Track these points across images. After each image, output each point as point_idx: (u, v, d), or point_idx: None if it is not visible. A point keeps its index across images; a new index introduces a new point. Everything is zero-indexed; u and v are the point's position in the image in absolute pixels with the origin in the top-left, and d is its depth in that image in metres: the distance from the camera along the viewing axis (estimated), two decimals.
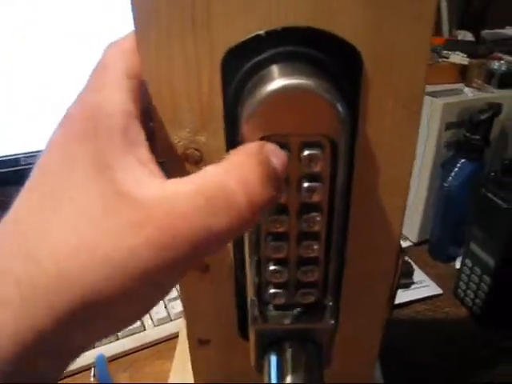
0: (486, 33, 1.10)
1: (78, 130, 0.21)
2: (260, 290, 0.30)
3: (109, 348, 0.61)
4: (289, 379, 0.28)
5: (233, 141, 0.27)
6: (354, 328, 0.36)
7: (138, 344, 0.63)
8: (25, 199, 0.21)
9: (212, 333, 0.38)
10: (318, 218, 0.26)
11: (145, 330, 0.65)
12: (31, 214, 0.20)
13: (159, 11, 0.24)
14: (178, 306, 0.67)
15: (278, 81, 0.22)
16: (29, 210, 0.20)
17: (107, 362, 0.60)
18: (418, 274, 0.77)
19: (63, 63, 0.69)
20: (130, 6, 0.24)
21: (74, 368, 0.58)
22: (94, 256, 0.18)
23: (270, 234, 0.27)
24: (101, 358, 0.59)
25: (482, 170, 0.74)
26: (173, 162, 0.28)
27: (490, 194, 0.61)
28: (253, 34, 0.24)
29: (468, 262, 0.68)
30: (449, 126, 0.76)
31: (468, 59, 0.85)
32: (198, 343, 0.38)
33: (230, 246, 0.32)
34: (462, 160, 0.74)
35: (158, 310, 0.66)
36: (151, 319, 0.66)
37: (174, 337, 0.62)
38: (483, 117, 0.70)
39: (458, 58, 0.85)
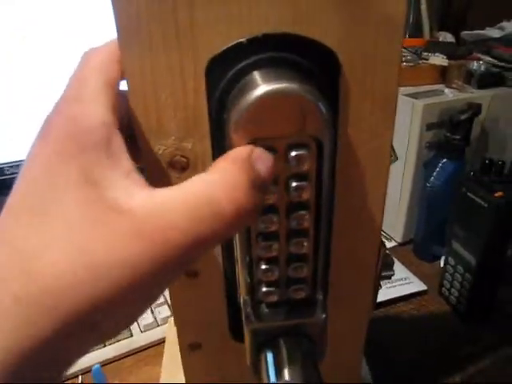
0: (465, 34, 1.11)
1: (61, 145, 0.21)
2: (252, 289, 0.30)
3: (96, 355, 0.61)
4: (286, 376, 0.28)
5: (219, 146, 0.27)
6: (341, 321, 0.37)
7: (126, 350, 0.63)
8: (14, 216, 0.21)
9: (203, 337, 0.38)
10: (307, 216, 0.27)
11: (132, 336, 0.64)
12: (22, 231, 0.20)
13: (141, 22, 0.24)
14: (164, 312, 0.67)
15: (262, 86, 0.23)
16: (19, 227, 0.20)
17: (104, 374, 0.58)
18: (402, 272, 0.78)
19: (61, 70, 0.69)
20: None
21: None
22: (89, 269, 0.19)
23: (261, 233, 0.28)
24: (97, 370, 0.58)
25: (463, 170, 0.75)
26: (157, 170, 0.28)
27: (470, 193, 0.62)
28: (235, 42, 0.25)
29: (451, 260, 0.69)
30: (430, 127, 0.77)
31: (448, 60, 0.86)
32: (189, 348, 0.38)
33: (218, 248, 0.32)
34: (444, 160, 0.75)
35: (145, 316, 0.66)
36: (138, 325, 0.66)
37: (162, 342, 0.62)
38: (463, 117, 0.71)
39: (438, 59, 0.86)
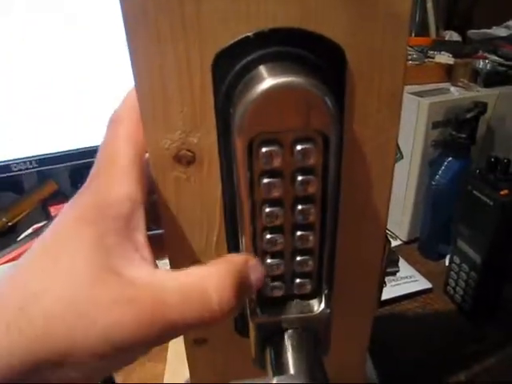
0: (472, 33, 1.11)
1: (86, 212, 0.24)
2: None
3: None
4: (291, 370, 0.28)
5: (225, 141, 0.27)
6: (345, 318, 0.37)
7: None
8: (31, 258, 0.23)
9: (208, 331, 0.38)
10: (312, 210, 0.27)
11: None
12: (32, 272, 0.22)
13: (148, 16, 0.24)
14: None
15: (268, 80, 0.23)
16: (31, 268, 0.23)
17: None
18: (408, 270, 0.78)
19: (61, 68, 0.70)
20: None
21: None
22: (81, 321, 0.21)
23: (266, 227, 0.28)
24: None
25: (469, 168, 0.74)
26: (163, 164, 0.29)
27: (475, 192, 0.62)
28: (241, 36, 0.25)
29: (456, 259, 0.69)
30: (435, 125, 0.76)
31: (454, 59, 0.86)
32: (194, 343, 0.38)
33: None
34: (449, 158, 0.75)
35: None
36: None
37: None
38: (469, 115, 0.71)
39: (444, 57, 0.86)
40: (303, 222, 0.27)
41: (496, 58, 0.94)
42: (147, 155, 0.28)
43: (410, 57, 0.87)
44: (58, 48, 0.69)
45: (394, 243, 0.87)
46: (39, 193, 0.85)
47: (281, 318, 0.31)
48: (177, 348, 0.55)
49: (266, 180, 0.25)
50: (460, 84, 0.82)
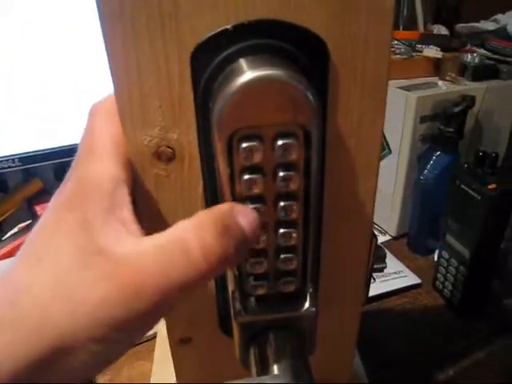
0: (460, 26, 1.11)
1: (70, 199, 0.24)
2: (241, 282, 0.30)
3: None
4: (276, 369, 0.28)
5: (206, 136, 0.27)
6: (333, 314, 0.36)
7: None
8: (21, 253, 0.23)
9: (193, 331, 0.37)
10: (295, 206, 0.26)
11: None
12: (20, 267, 0.22)
13: (124, 7, 0.24)
14: None
15: (248, 73, 0.22)
16: (20, 263, 0.22)
17: None
18: (396, 265, 0.78)
19: (61, 66, 0.70)
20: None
21: None
22: (69, 304, 0.20)
23: None
24: None
25: (458, 162, 0.74)
26: (143, 161, 0.28)
27: (463, 186, 0.62)
28: (220, 29, 0.24)
29: (445, 253, 0.69)
30: (423, 120, 0.76)
31: (442, 53, 0.85)
32: (179, 342, 0.38)
33: None
34: (437, 153, 0.75)
35: None
36: None
37: (153, 337, 0.61)
38: (457, 109, 0.71)
39: (432, 51, 0.86)
40: (286, 219, 0.27)
41: (484, 51, 0.94)
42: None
43: (397, 51, 0.87)
44: (41, 46, 0.68)
45: (382, 238, 0.87)
46: (24, 191, 0.84)
47: (265, 318, 0.30)
48: (164, 347, 0.55)
49: (246, 176, 0.25)
50: (448, 78, 0.82)
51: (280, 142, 0.24)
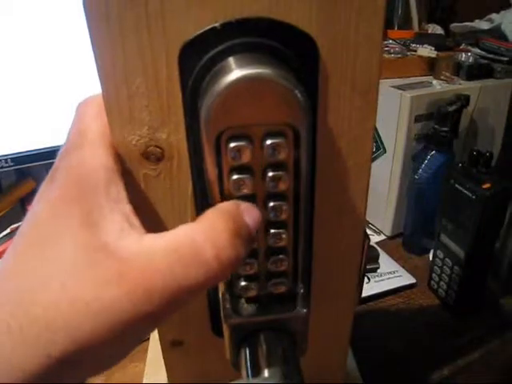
0: (454, 26, 1.11)
1: (64, 190, 0.23)
2: (231, 283, 0.30)
3: None
4: (266, 372, 0.28)
5: (195, 136, 0.26)
6: (325, 315, 0.36)
7: None
8: (17, 252, 0.22)
9: (184, 333, 0.37)
10: (285, 207, 0.26)
11: None
12: (22, 266, 0.21)
13: (110, 5, 0.23)
14: None
15: (235, 72, 0.22)
16: (20, 262, 0.21)
17: None
18: (391, 265, 0.78)
19: (53, 66, 0.69)
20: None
21: None
22: (77, 306, 0.20)
23: None
24: None
25: (452, 162, 0.74)
26: (131, 162, 0.28)
27: (458, 185, 0.62)
28: (208, 27, 0.24)
29: (439, 253, 0.69)
30: (418, 119, 0.76)
31: (436, 52, 0.85)
32: (170, 345, 0.38)
33: None
34: (432, 152, 0.75)
35: None
36: None
37: (147, 339, 0.61)
38: (451, 108, 0.71)
39: (426, 50, 0.85)
40: (276, 219, 0.26)
41: (478, 51, 0.94)
42: None
43: (392, 50, 0.87)
44: (33, 47, 0.68)
45: (377, 238, 0.86)
46: (17, 192, 0.83)
47: (256, 319, 0.30)
48: (156, 349, 0.54)
49: (235, 176, 0.24)
50: (442, 77, 0.82)
51: (269, 142, 0.23)
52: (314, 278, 0.34)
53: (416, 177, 0.76)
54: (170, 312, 0.22)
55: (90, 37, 0.24)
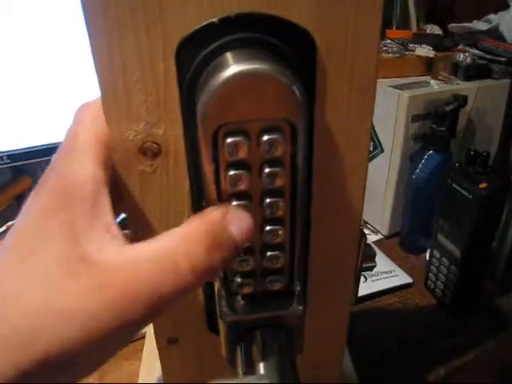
0: (453, 26, 1.11)
1: (51, 200, 0.23)
2: (227, 280, 0.29)
3: None
4: (262, 369, 0.28)
5: (192, 131, 0.26)
6: (322, 313, 0.36)
7: None
8: (2, 258, 0.22)
9: (180, 331, 0.37)
10: (281, 203, 0.26)
11: None
12: (6, 277, 0.22)
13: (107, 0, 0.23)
14: None
15: (233, 67, 0.22)
16: (4, 269, 0.22)
17: None
18: (388, 264, 0.78)
19: (49, 63, 0.69)
20: None
21: None
22: (59, 316, 0.20)
23: None
24: None
25: (449, 162, 0.74)
26: (128, 157, 0.27)
27: (455, 185, 0.62)
28: (206, 22, 0.24)
29: (436, 253, 0.69)
30: (415, 119, 0.76)
31: (434, 52, 0.85)
32: (166, 342, 0.38)
33: None
34: (429, 152, 0.74)
35: None
36: None
37: (142, 337, 0.61)
38: (449, 108, 0.71)
39: (424, 50, 0.85)
40: (272, 216, 0.26)
41: (476, 51, 0.94)
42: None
43: (390, 50, 0.87)
44: (30, 44, 0.67)
45: (374, 237, 0.86)
46: (13, 189, 0.83)
47: (252, 317, 0.30)
48: (152, 347, 0.54)
49: (232, 172, 0.24)
50: (440, 77, 0.82)
51: (266, 138, 0.23)
52: (310, 276, 0.34)
53: (413, 176, 0.76)
54: (151, 318, 0.22)
55: (88, 31, 0.24)
